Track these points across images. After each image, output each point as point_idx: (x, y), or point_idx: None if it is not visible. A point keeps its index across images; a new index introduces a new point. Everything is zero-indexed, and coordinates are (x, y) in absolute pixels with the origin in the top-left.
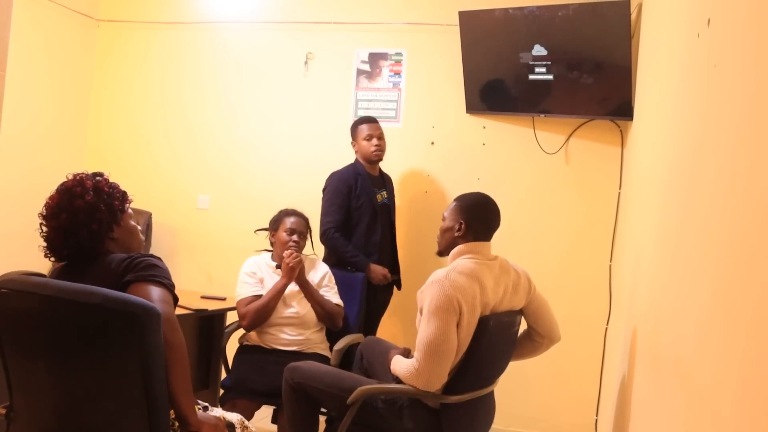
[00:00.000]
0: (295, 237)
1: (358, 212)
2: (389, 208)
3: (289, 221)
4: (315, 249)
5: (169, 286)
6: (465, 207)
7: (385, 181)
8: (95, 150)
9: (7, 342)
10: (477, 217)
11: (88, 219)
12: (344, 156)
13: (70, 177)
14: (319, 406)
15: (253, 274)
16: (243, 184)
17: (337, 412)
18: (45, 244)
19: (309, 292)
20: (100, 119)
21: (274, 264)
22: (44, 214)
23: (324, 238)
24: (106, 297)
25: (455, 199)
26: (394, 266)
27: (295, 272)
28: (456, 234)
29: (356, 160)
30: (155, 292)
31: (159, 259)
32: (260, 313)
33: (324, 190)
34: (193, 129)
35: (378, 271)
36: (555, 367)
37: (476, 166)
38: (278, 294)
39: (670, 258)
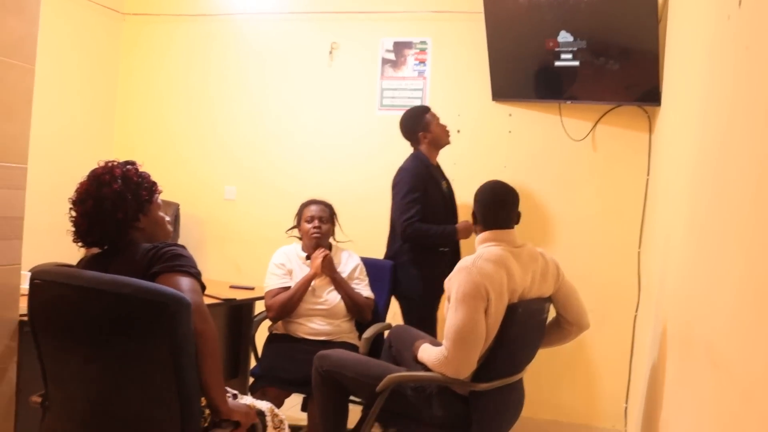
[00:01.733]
0: (316, 223)
1: (432, 204)
2: (452, 196)
3: (310, 210)
4: (345, 234)
5: (196, 275)
6: (476, 197)
7: (439, 169)
8: (123, 142)
9: (41, 332)
10: (485, 206)
11: (114, 208)
12: (370, 145)
13: (102, 164)
14: (348, 393)
15: (282, 265)
16: (269, 175)
17: (367, 400)
18: (73, 229)
19: (339, 284)
20: (127, 112)
21: (305, 255)
22: (73, 199)
23: (407, 234)
24: (137, 287)
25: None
26: (458, 256)
27: (322, 267)
28: (473, 222)
29: (418, 151)
30: (184, 282)
31: (183, 247)
32: (286, 306)
33: (395, 187)
34: (219, 120)
35: (464, 226)
36: (584, 355)
37: (503, 154)
38: (304, 287)
39: (700, 243)
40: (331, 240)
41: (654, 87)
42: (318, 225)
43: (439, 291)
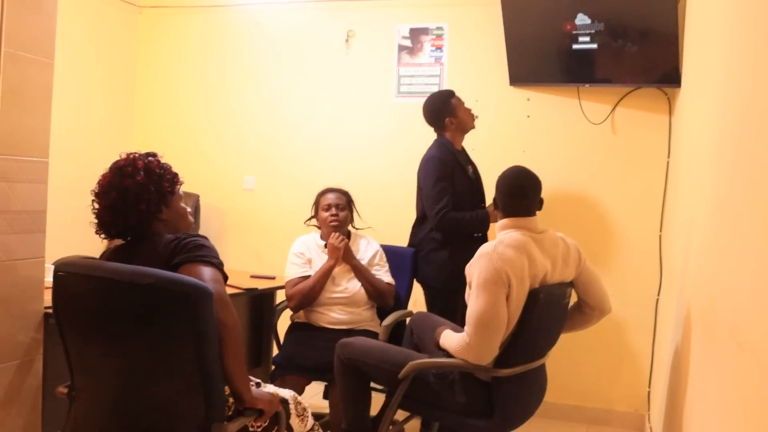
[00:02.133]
0: (333, 211)
1: (460, 191)
2: (479, 180)
3: (326, 198)
4: (364, 221)
5: (219, 265)
6: (498, 184)
7: (466, 154)
8: (142, 135)
9: (66, 324)
10: (507, 194)
11: (137, 199)
12: (388, 133)
13: (124, 156)
14: (370, 381)
15: (301, 254)
16: (288, 164)
17: (389, 387)
18: (96, 220)
19: (359, 271)
20: (146, 104)
21: (323, 243)
22: (96, 191)
23: (441, 223)
24: (160, 278)
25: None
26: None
27: (340, 253)
28: (494, 209)
29: (442, 137)
30: (206, 272)
31: (205, 238)
32: (306, 295)
33: (422, 176)
34: (237, 111)
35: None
36: (606, 339)
37: (521, 138)
38: (325, 276)
39: (723, 225)
40: (349, 227)
41: (674, 68)
42: (335, 213)
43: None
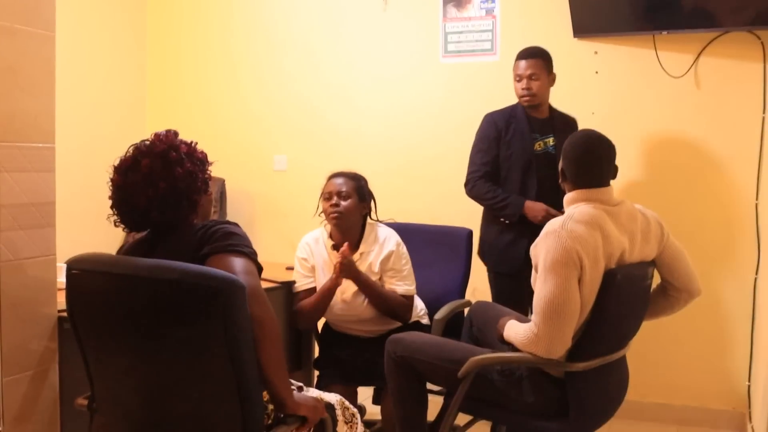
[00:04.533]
0: (334, 200)
1: (508, 162)
2: (550, 158)
3: (327, 185)
4: (387, 213)
5: (252, 255)
6: (564, 152)
7: (555, 127)
8: (156, 112)
9: (82, 327)
10: (576, 163)
11: (189, 189)
12: (435, 99)
13: (157, 138)
14: (426, 381)
15: (304, 261)
16: (322, 140)
17: (447, 388)
18: (117, 212)
19: (365, 286)
20: (160, 78)
21: (331, 243)
22: (138, 182)
23: (467, 190)
24: (185, 271)
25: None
26: None
27: (340, 272)
28: (561, 180)
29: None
30: (237, 263)
31: (236, 225)
32: (310, 317)
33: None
34: (263, 82)
35: (537, 208)
36: (697, 326)
37: (589, 98)
38: (328, 295)
39: None
40: (368, 218)
41: None
42: (336, 202)
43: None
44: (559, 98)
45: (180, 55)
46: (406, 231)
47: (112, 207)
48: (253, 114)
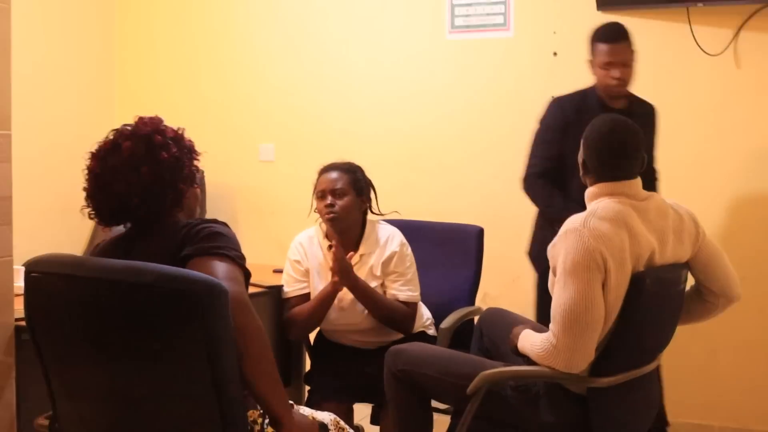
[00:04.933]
0: (328, 199)
1: (572, 160)
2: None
3: (320, 182)
4: (378, 207)
5: (238, 259)
6: (585, 140)
7: (633, 116)
8: (126, 97)
9: (43, 338)
10: (599, 152)
11: (173, 177)
12: (439, 80)
13: (143, 120)
14: (430, 397)
15: (297, 263)
16: (314, 126)
17: (455, 405)
18: (90, 202)
19: (363, 296)
20: (129, 56)
21: (328, 243)
22: (118, 167)
23: (524, 186)
24: (160, 274)
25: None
26: None
27: (339, 279)
28: (582, 173)
29: (595, 83)
30: (220, 268)
31: (224, 225)
32: (305, 325)
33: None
34: (247, 61)
35: None
36: (738, 336)
37: None
38: (326, 302)
39: None
40: (368, 214)
41: None
42: (331, 202)
43: None
44: (580, 79)
45: (152, 31)
46: (408, 228)
47: (86, 198)
48: (235, 97)
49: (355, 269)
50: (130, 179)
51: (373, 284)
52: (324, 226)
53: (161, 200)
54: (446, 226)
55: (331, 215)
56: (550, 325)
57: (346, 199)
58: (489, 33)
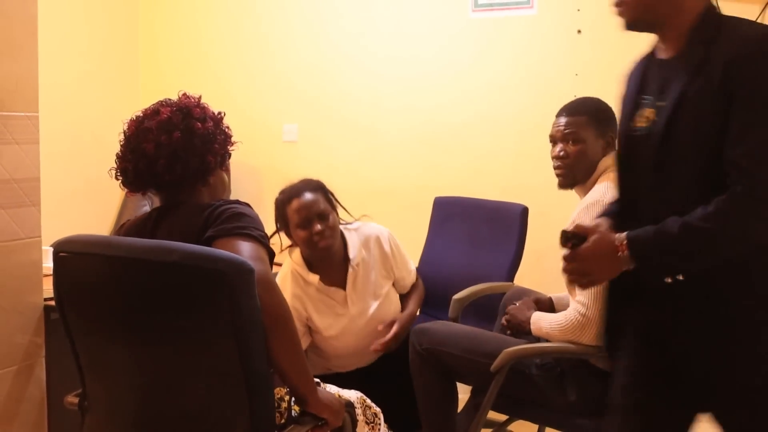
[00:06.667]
0: (317, 227)
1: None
2: (661, 136)
3: (297, 210)
4: (361, 212)
5: (261, 239)
6: (597, 115)
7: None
8: (151, 78)
9: (72, 317)
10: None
11: (204, 147)
12: (463, 59)
13: (181, 96)
14: (455, 376)
15: (297, 311)
16: (337, 107)
17: (479, 383)
18: (119, 165)
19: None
20: (154, 40)
21: (317, 277)
22: (152, 128)
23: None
24: (186, 253)
25: (574, 112)
26: None
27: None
28: (604, 152)
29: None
30: (245, 247)
31: (247, 205)
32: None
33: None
34: (269, 41)
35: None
36: None
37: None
38: None
39: None
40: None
41: None
42: (321, 227)
43: None
44: (605, 58)
45: (176, 15)
46: (453, 205)
47: (116, 159)
48: (259, 79)
49: (364, 277)
50: (161, 139)
51: (387, 284)
52: (296, 257)
53: (187, 168)
54: (490, 204)
55: (328, 241)
56: (577, 297)
57: (332, 219)
58: (512, 11)
